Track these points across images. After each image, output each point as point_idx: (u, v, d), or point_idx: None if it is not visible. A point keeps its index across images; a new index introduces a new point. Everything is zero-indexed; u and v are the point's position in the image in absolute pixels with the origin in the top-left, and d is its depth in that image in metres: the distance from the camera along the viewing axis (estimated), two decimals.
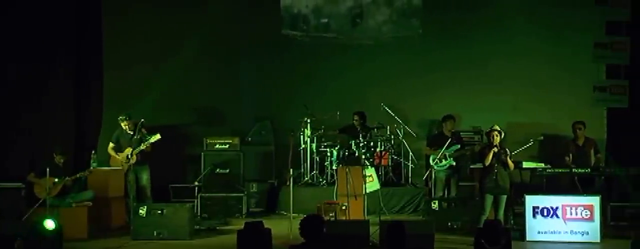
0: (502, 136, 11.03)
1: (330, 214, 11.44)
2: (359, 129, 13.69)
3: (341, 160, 13.00)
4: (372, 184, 11.93)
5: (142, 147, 12.34)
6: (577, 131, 12.76)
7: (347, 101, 14.35)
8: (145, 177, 12.61)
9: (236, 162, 13.61)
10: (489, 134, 11.03)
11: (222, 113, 14.71)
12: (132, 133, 12.53)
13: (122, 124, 12.57)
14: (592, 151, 12.79)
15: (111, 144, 12.76)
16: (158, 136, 12.32)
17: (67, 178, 11.61)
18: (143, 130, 12.42)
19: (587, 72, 14.34)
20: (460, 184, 12.89)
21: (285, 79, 14.67)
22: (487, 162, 10.89)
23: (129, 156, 12.36)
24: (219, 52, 14.57)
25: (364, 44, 14.67)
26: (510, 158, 10.95)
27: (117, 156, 12.62)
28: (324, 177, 13.64)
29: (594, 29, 14.20)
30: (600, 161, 12.91)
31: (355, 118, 13.86)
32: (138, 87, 14.33)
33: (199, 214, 12.92)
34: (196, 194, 13.28)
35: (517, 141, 12.64)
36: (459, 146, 12.68)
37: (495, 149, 10.87)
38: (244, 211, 13.10)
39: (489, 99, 14.29)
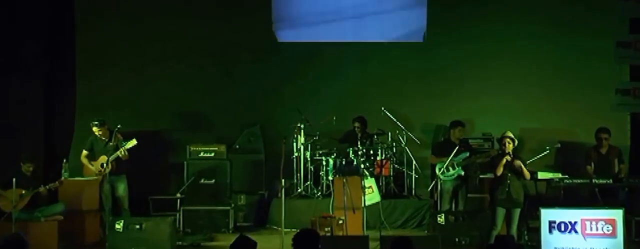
0: (516, 144, 11.02)
1: (326, 229, 11.43)
2: (359, 136, 13.70)
3: (338, 170, 12.94)
4: (372, 196, 11.93)
5: (118, 154, 12.31)
6: (603, 140, 12.70)
7: (344, 105, 14.39)
8: (122, 188, 12.58)
9: (222, 172, 13.56)
10: (501, 141, 11.00)
11: (206, 118, 14.70)
12: (106, 140, 12.53)
13: (95, 130, 12.56)
14: (616, 161, 12.75)
15: (84, 152, 12.71)
16: (134, 142, 12.30)
17: (41, 187, 11.58)
18: (118, 136, 12.42)
19: (608, 74, 14.37)
20: (469, 196, 12.88)
21: (276, 81, 14.70)
22: (499, 172, 10.88)
23: (104, 165, 12.30)
24: (202, 53, 14.64)
25: (362, 42, 14.70)
26: (525, 167, 10.94)
27: (90, 165, 12.56)
28: (319, 188, 13.59)
29: (616, 27, 14.27)
30: (624, 171, 12.82)
31: (356, 125, 13.85)
32: (114, 90, 14.38)
33: (181, 229, 12.86)
34: (178, 207, 13.19)
35: (531, 149, 12.77)
36: (467, 154, 12.61)
37: (508, 158, 10.85)
38: (231, 225, 13.02)
39: (500, 103, 14.34)
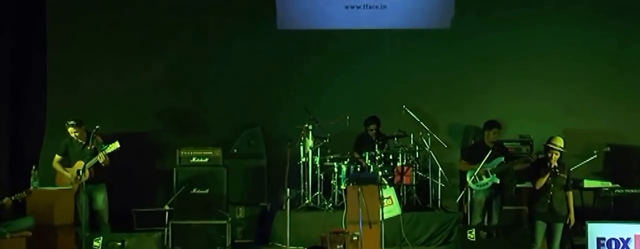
0: (562, 155, 11.00)
1: (338, 247, 11.31)
2: (374, 139, 13.65)
3: (352, 178, 12.74)
4: (392, 208, 11.95)
5: (97, 159, 12.21)
6: None
7: (359, 103, 14.42)
8: (101, 199, 12.50)
9: (218, 181, 13.41)
10: (547, 150, 10.95)
11: (199, 118, 14.72)
12: (83, 143, 12.45)
13: (71, 131, 12.45)
14: None
15: (57, 157, 12.62)
16: (117, 145, 12.19)
17: (5, 199, 11.46)
18: (98, 138, 12.33)
19: None
20: (504, 208, 12.80)
21: (280, 75, 14.73)
22: (539, 186, 10.93)
23: (81, 172, 12.18)
24: (194, 43, 14.69)
25: (380, 29, 14.72)
26: (568, 183, 10.97)
27: (65, 172, 12.52)
28: (330, 199, 13.49)
29: None
30: None
31: (371, 127, 13.86)
32: (91, 86, 14.47)
33: (170, 246, 12.77)
34: (166, 221, 13.10)
35: (575, 154, 12.65)
36: (502, 159, 12.53)
37: (552, 169, 10.83)
38: (228, 242, 12.88)
39: (540, 100, 14.42)
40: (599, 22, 14.42)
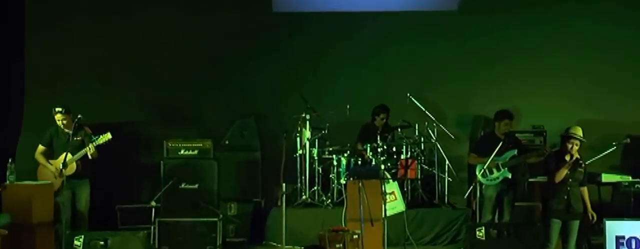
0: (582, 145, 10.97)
1: (338, 246, 11.29)
2: (379, 130, 13.68)
3: (352, 171, 12.74)
4: (395, 204, 11.98)
5: (86, 151, 12.21)
6: None
7: (360, 91, 14.50)
8: (85, 195, 12.51)
9: (208, 175, 13.37)
10: (566, 140, 10.90)
11: (188, 107, 14.73)
12: (70, 133, 12.41)
13: (58, 119, 12.41)
14: None
15: (41, 148, 12.59)
16: (108, 136, 12.21)
17: None
18: (86, 129, 12.35)
19: None
20: (516, 204, 12.83)
21: (275, 61, 14.74)
22: (559, 179, 10.83)
23: (66, 165, 12.16)
24: (182, 28, 14.67)
25: (381, 12, 14.72)
26: (584, 178, 10.94)
27: (48, 165, 12.49)
28: (329, 195, 13.56)
29: None
30: None
31: (381, 117, 13.92)
32: (72, 70, 14.44)
33: (156, 245, 12.79)
34: (153, 218, 13.04)
35: (592, 146, 12.52)
36: (515, 151, 12.56)
37: (573, 161, 10.79)
38: (219, 241, 12.93)
39: (554, 88, 14.46)
40: (617, 12, 14.43)
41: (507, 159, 12.46)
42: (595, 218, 10.85)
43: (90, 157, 12.24)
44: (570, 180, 10.80)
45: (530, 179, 13.06)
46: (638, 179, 12.34)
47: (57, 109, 12.40)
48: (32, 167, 12.80)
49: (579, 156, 10.91)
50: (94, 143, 12.16)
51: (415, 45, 14.66)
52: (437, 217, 13.32)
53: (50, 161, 12.51)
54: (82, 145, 12.27)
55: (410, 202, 13.17)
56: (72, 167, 12.23)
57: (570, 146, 10.79)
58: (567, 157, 10.72)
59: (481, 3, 14.65)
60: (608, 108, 14.40)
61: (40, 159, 12.58)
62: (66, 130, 12.43)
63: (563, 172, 10.75)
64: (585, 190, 10.93)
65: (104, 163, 12.59)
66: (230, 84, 14.65)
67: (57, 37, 14.47)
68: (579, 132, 10.87)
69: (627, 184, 12.20)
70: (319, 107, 13.70)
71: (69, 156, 12.19)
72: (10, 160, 12.32)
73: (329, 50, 14.69)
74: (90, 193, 12.58)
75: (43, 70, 14.39)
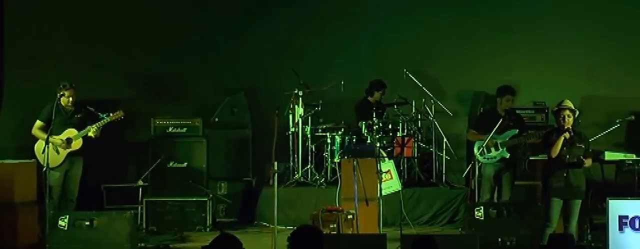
0: (576, 116, 10.88)
1: (332, 226, 11.34)
2: (374, 107, 13.60)
3: (347, 150, 12.89)
4: (391, 183, 11.98)
5: (91, 129, 12.20)
6: None
7: (355, 66, 14.52)
8: (78, 174, 12.53)
9: (197, 153, 13.53)
10: (559, 113, 10.87)
11: (176, 83, 14.75)
12: (72, 109, 12.40)
13: (66, 95, 12.29)
14: None
15: (39, 123, 12.45)
16: (121, 113, 12.27)
17: None
18: (89, 107, 12.30)
19: None
20: (516, 183, 12.76)
21: (266, 34, 14.72)
22: (555, 153, 10.76)
23: (68, 140, 12.18)
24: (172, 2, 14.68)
25: None
26: (587, 153, 10.82)
27: (54, 138, 12.21)
28: (323, 174, 13.63)
29: None
30: None
31: (381, 92, 13.87)
32: (53, 42, 14.42)
33: (144, 226, 12.91)
34: (140, 198, 13.22)
35: (596, 123, 12.90)
36: (516, 131, 12.46)
37: (567, 135, 10.73)
38: (209, 222, 13.07)
39: (557, 64, 14.44)
40: None
41: (507, 139, 12.37)
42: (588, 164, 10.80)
43: (93, 136, 12.23)
44: (567, 157, 10.70)
45: (532, 158, 12.79)
46: None
47: (63, 84, 12.29)
48: (11, 145, 12.91)
49: (579, 131, 10.90)
50: (103, 121, 12.18)
51: (412, 18, 14.61)
52: (435, 196, 13.44)
53: (54, 136, 12.23)
54: (82, 123, 12.28)
55: (407, 181, 13.26)
56: (79, 143, 12.25)
57: (562, 116, 10.72)
58: (567, 135, 10.63)
59: None
60: (614, 84, 14.37)
61: (39, 133, 12.36)
62: (69, 106, 12.39)
63: (558, 145, 10.67)
64: (588, 160, 10.79)
65: (90, 141, 12.47)
66: (220, 59, 14.60)
67: (37, 9, 14.41)
68: (569, 104, 10.80)
69: (631, 162, 12.07)
70: (312, 83, 13.74)
71: (74, 131, 12.23)
72: None
73: (322, 23, 14.69)
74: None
75: (23, 45, 14.29)
